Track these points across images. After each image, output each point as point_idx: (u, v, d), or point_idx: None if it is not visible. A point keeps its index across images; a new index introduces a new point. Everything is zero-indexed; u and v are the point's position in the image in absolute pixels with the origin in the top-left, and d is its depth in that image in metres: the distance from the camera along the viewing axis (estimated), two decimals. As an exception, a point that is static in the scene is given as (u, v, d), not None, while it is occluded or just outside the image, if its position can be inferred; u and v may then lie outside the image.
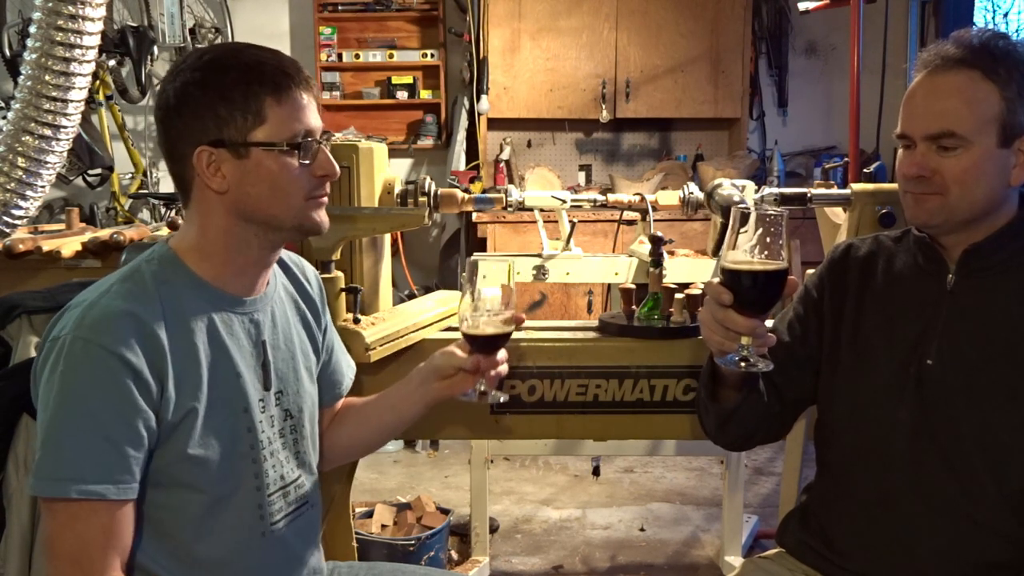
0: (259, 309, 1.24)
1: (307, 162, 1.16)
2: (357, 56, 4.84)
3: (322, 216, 1.21)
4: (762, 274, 1.13)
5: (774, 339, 1.19)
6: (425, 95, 4.90)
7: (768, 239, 1.13)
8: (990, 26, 4.95)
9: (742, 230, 1.13)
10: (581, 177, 5.03)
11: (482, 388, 1.32)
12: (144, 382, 1.08)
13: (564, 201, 2.20)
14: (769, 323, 1.32)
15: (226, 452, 1.17)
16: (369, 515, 2.73)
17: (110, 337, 1.07)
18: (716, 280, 1.17)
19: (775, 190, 2.01)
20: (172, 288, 1.15)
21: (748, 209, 1.13)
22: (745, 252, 1.14)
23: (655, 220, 2.10)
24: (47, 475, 1.06)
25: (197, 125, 1.13)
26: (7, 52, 4.31)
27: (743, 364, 1.17)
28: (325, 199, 1.21)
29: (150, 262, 1.18)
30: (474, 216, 4.30)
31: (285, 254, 1.36)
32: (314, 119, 1.17)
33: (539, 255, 2.43)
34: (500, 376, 1.32)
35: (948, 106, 1.23)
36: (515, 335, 1.73)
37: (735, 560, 2.67)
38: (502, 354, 1.32)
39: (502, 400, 1.34)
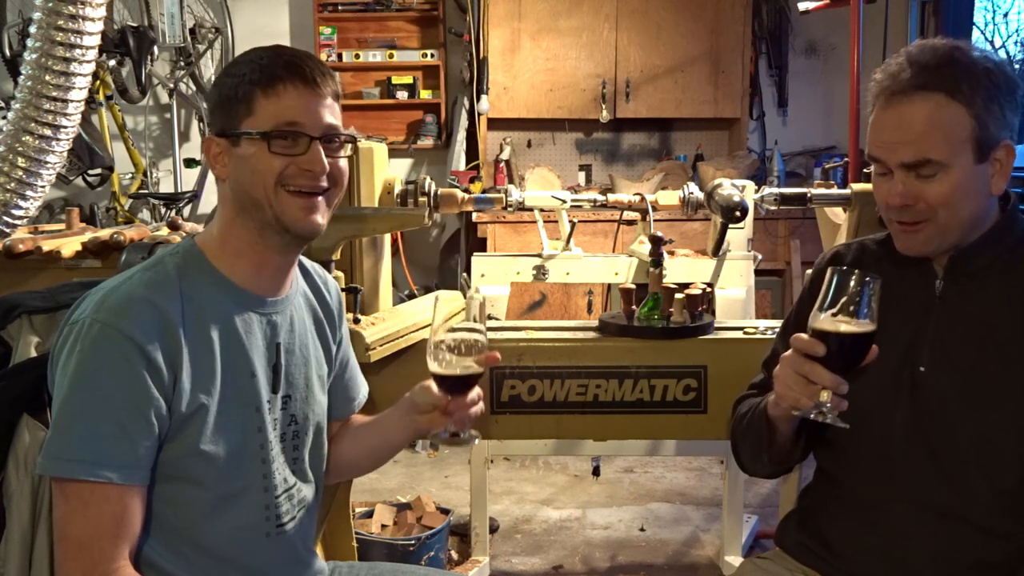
0: (279, 311, 1.25)
1: (286, 152, 1.16)
2: (357, 56, 4.84)
3: (307, 216, 1.18)
4: (852, 336, 1.14)
5: (846, 404, 1.17)
6: (425, 95, 4.90)
7: (860, 300, 1.13)
8: (989, 27, 4.95)
9: (837, 296, 1.14)
10: (581, 177, 5.03)
11: (452, 429, 1.25)
12: (157, 370, 1.09)
13: (564, 201, 2.20)
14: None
15: (237, 450, 1.18)
16: (369, 515, 2.73)
17: (128, 322, 1.09)
18: (805, 335, 1.16)
19: (775, 190, 2.01)
20: (194, 283, 1.17)
21: (849, 271, 1.14)
22: (837, 312, 1.14)
23: (655, 220, 2.10)
24: (56, 455, 1.07)
25: (211, 118, 1.21)
26: (7, 52, 4.32)
27: (821, 417, 1.16)
28: (313, 200, 1.19)
29: (174, 255, 1.19)
30: (474, 216, 4.30)
31: (308, 262, 1.37)
32: (305, 114, 1.16)
33: (539, 255, 2.43)
34: (472, 417, 1.26)
35: (920, 134, 1.21)
36: (515, 335, 1.74)
37: (735, 560, 2.67)
38: (476, 393, 1.25)
39: (476, 442, 1.27)
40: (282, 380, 1.25)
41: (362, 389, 1.46)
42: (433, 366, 1.22)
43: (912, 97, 1.22)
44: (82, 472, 1.06)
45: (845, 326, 1.14)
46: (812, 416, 1.17)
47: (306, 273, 1.35)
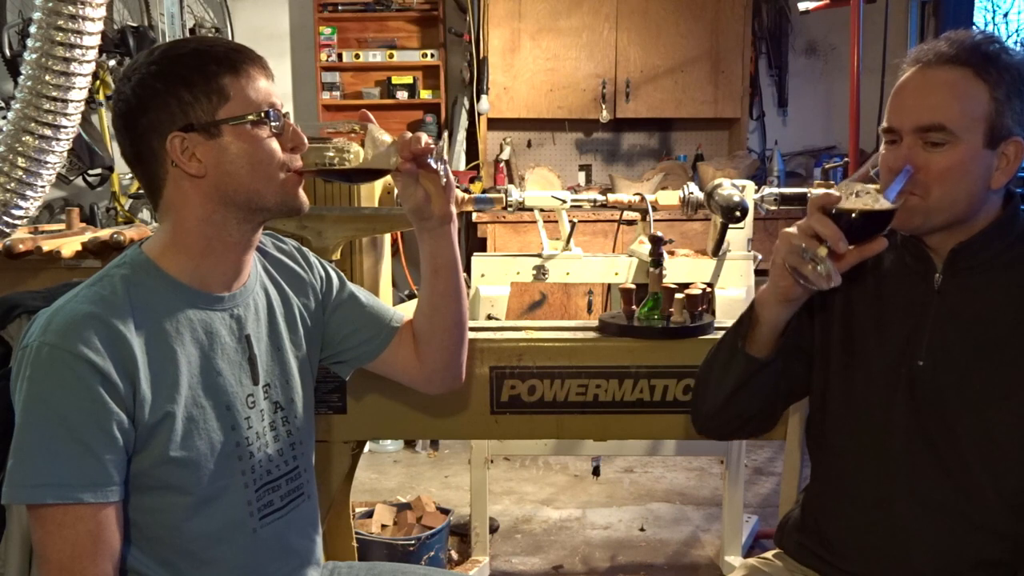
0: (239, 303, 1.23)
1: (277, 133, 1.17)
2: (357, 56, 4.84)
3: (303, 195, 1.21)
4: (864, 212, 1.17)
5: (839, 277, 1.18)
6: (425, 95, 4.90)
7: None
8: (989, 26, 4.96)
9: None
10: (581, 177, 5.03)
11: (435, 168, 1.27)
12: (113, 384, 1.08)
13: (564, 201, 2.20)
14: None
15: (210, 452, 1.17)
16: (369, 515, 2.73)
17: (74, 341, 1.07)
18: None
19: (775, 190, 2.02)
20: (144, 290, 1.15)
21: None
22: (863, 190, 1.18)
23: (655, 220, 2.10)
24: (19, 482, 1.06)
25: (164, 116, 1.13)
26: (7, 52, 4.31)
27: (812, 264, 1.17)
28: (301, 177, 1.20)
29: (121, 266, 1.17)
30: (474, 216, 4.30)
31: (264, 239, 1.34)
32: (273, 94, 1.18)
33: (539, 255, 2.44)
34: (426, 146, 1.25)
35: (939, 100, 1.23)
36: (515, 335, 1.74)
37: (735, 560, 2.67)
38: (423, 137, 1.26)
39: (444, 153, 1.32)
40: (260, 370, 1.24)
41: (396, 312, 1.41)
42: (366, 162, 1.24)
43: (940, 67, 1.24)
44: (52, 496, 1.05)
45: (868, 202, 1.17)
46: (807, 265, 1.17)
47: (263, 252, 1.33)
